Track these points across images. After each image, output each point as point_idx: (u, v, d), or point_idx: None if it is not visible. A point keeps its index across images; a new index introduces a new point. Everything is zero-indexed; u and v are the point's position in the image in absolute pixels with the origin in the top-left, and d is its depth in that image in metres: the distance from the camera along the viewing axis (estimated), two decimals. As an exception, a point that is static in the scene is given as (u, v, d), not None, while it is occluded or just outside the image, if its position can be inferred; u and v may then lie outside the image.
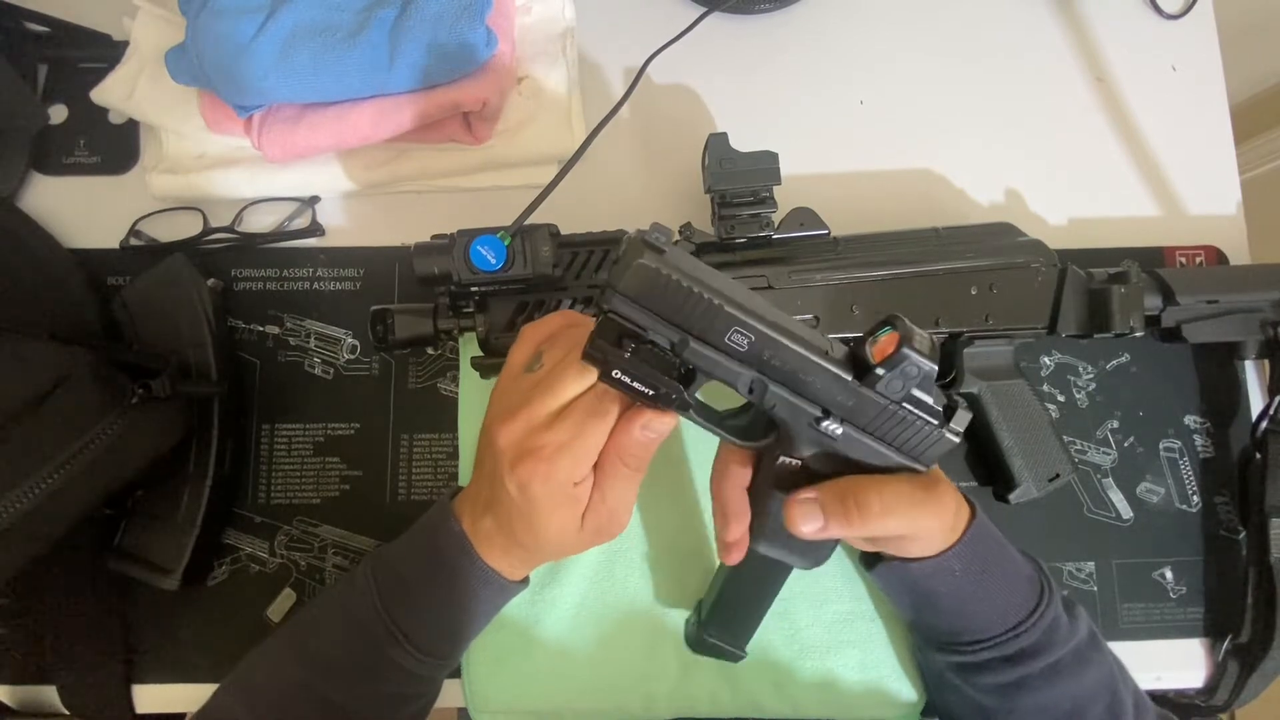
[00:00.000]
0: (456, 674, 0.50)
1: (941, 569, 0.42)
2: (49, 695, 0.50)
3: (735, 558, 0.42)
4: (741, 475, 0.41)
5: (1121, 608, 0.54)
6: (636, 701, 0.50)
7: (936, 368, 0.35)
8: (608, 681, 0.50)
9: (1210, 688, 0.53)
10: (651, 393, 0.35)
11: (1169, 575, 0.54)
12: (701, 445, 0.53)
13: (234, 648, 0.44)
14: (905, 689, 0.51)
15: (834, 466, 0.39)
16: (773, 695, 0.50)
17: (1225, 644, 0.52)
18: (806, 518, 0.38)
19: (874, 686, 0.51)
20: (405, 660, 0.41)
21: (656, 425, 0.37)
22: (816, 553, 0.43)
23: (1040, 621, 0.42)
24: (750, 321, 0.34)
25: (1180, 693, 0.54)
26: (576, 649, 0.50)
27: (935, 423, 0.37)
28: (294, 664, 0.43)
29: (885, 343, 0.35)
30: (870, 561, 0.46)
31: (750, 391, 0.36)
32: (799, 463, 0.39)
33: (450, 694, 0.51)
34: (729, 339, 0.35)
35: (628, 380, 0.35)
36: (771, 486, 0.40)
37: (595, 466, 0.38)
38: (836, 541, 0.43)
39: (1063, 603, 0.44)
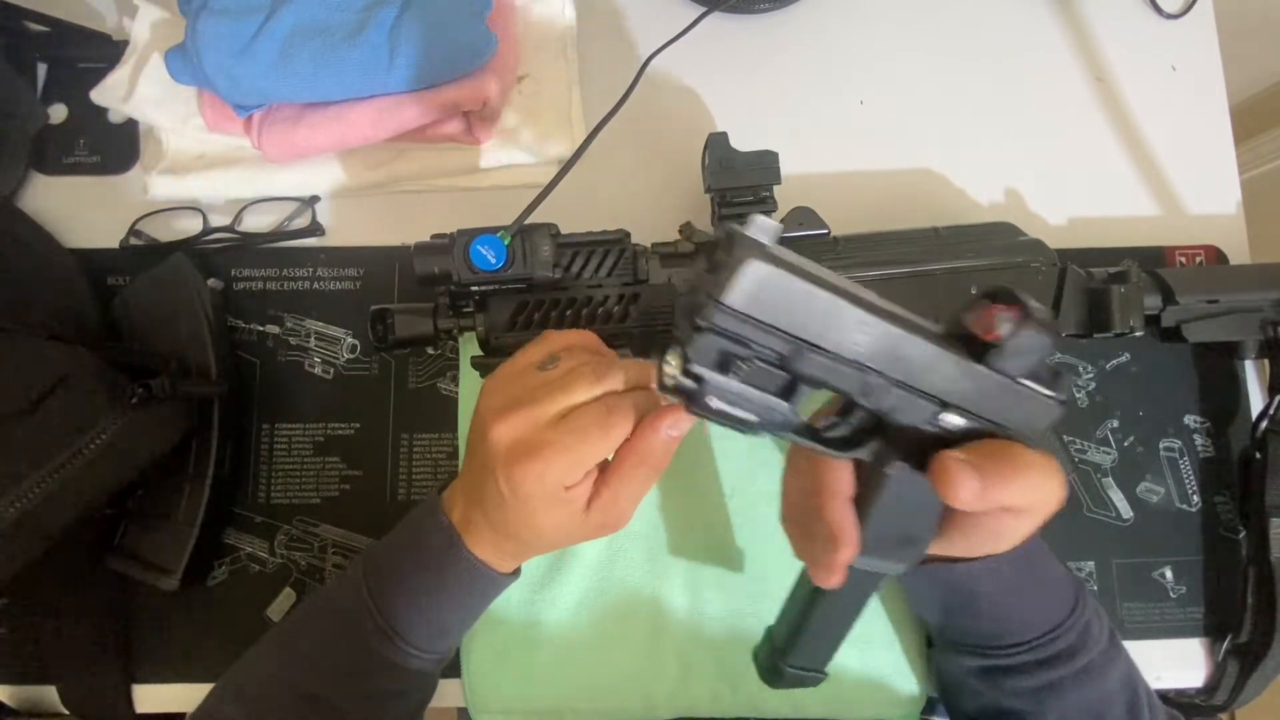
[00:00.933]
0: (456, 673, 0.50)
1: (990, 570, 0.41)
2: (49, 695, 0.50)
3: (839, 580, 0.37)
4: (848, 488, 0.37)
5: (1121, 607, 0.54)
6: (637, 701, 0.50)
7: (1055, 337, 0.32)
8: (608, 681, 0.50)
9: (1210, 688, 0.53)
10: (756, 419, 0.31)
11: (1169, 575, 0.54)
12: (702, 443, 0.53)
13: (234, 648, 0.44)
14: (906, 688, 0.51)
15: None
16: (773, 695, 0.50)
17: (1225, 644, 0.52)
18: (966, 477, 0.33)
19: (875, 685, 0.50)
20: (395, 656, 0.41)
21: (684, 424, 0.37)
22: (914, 551, 0.38)
23: (1077, 624, 0.41)
24: (872, 317, 0.30)
25: (1180, 693, 0.54)
26: (577, 649, 0.50)
27: (1050, 394, 0.34)
28: (286, 661, 0.43)
29: (994, 316, 0.32)
30: None
31: (867, 395, 0.32)
32: (908, 469, 0.35)
33: (450, 694, 0.51)
34: (851, 340, 0.30)
35: (726, 408, 0.30)
36: (871, 497, 0.36)
37: (612, 467, 0.38)
38: (930, 537, 0.39)
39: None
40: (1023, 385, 0.33)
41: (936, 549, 0.41)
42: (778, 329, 0.29)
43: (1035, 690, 0.42)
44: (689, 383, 0.30)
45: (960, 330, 0.32)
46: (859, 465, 0.37)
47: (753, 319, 0.28)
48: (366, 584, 0.42)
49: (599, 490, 0.38)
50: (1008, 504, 0.34)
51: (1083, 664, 0.41)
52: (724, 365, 0.30)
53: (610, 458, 0.39)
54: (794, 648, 0.41)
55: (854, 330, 0.30)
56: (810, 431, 0.34)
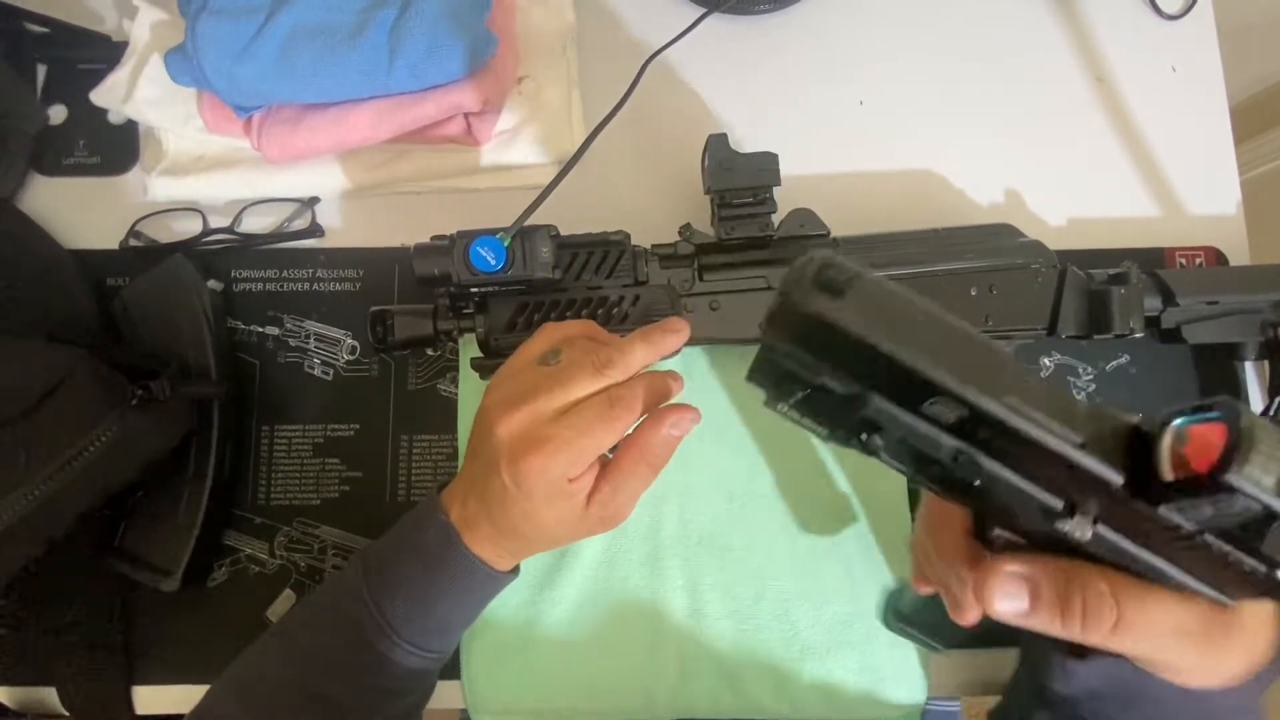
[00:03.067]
0: (456, 674, 0.50)
1: (1161, 684, 0.31)
2: (49, 695, 0.50)
3: (973, 618, 0.32)
4: (960, 520, 0.32)
5: (1121, 608, 0.54)
6: (636, 702, 0.50)
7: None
8: (608, 682, 0.50)
9: (1210, 688, 0.52)
10: (825, 431, 0.28)
11: (1169, 576, 0.54)
12: (703, 445, 0.53)
13: (234, 649, 0.44)
14: (905, 690, 0.51)
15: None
16: (773, 696, 0.50)
17: (1225, 645, 0.52)
18: (1007, 595, 0.28)
19: (874, 687, 0.50)
20: (393, 653, 0.41)
21: (686, 425, 0.37)
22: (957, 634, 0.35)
23: None
24: (965, 394, 0.24)
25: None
26: (576, 650, 0.50)
27: (1258, 565, 0.24)
28: (285, 658, 0.43)
29: (1200, 445, 0.22)
30: (1083, 651, 0.32)
31: (955, 460, 0.26)
32: (1022, 541, 0.29)
33: (450, 694, 0.51)
34: (928, 409, 0.25)
35: (796, 416, 0.28)
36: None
37: (614, 462, 0.38)
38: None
39: None
40: (1206, 539, 0.24)
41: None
42: (839, 369, 0.25)
43: None
44: (758, 380, 0.27)
45: (1151, 441, 0.23)
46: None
47: (809, 354, 0.25)
48: (366, 582, 0.42)
49: (599, 485, 0.39)
50: (1095, 643, 0.28)
51: None
52: (781, 393, 0.27)
53: (611, 454, 0.39)
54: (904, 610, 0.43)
55: (934, 400, 0.24)
56: (905, 456, 0.28)
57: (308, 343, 0.55)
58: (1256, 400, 0.56)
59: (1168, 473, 0.22)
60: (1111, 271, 0.51)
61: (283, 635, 0.44)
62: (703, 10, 0.58)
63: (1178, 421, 0.23)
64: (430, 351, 0.55)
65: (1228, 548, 0.24)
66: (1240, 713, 0.31)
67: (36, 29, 0.58)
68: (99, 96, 0.56)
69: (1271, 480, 0.21)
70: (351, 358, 0.55)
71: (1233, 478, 0.21)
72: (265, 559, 0.53)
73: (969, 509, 0.30)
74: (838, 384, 0.26)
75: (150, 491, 0.51)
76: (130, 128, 0.58)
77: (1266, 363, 0.55)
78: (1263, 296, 0.52)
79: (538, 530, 0.39)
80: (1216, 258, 0.59)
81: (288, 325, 0.56)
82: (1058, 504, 0.25)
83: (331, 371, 0.55)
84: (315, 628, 0.43)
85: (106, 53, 0.58)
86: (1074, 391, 0.56)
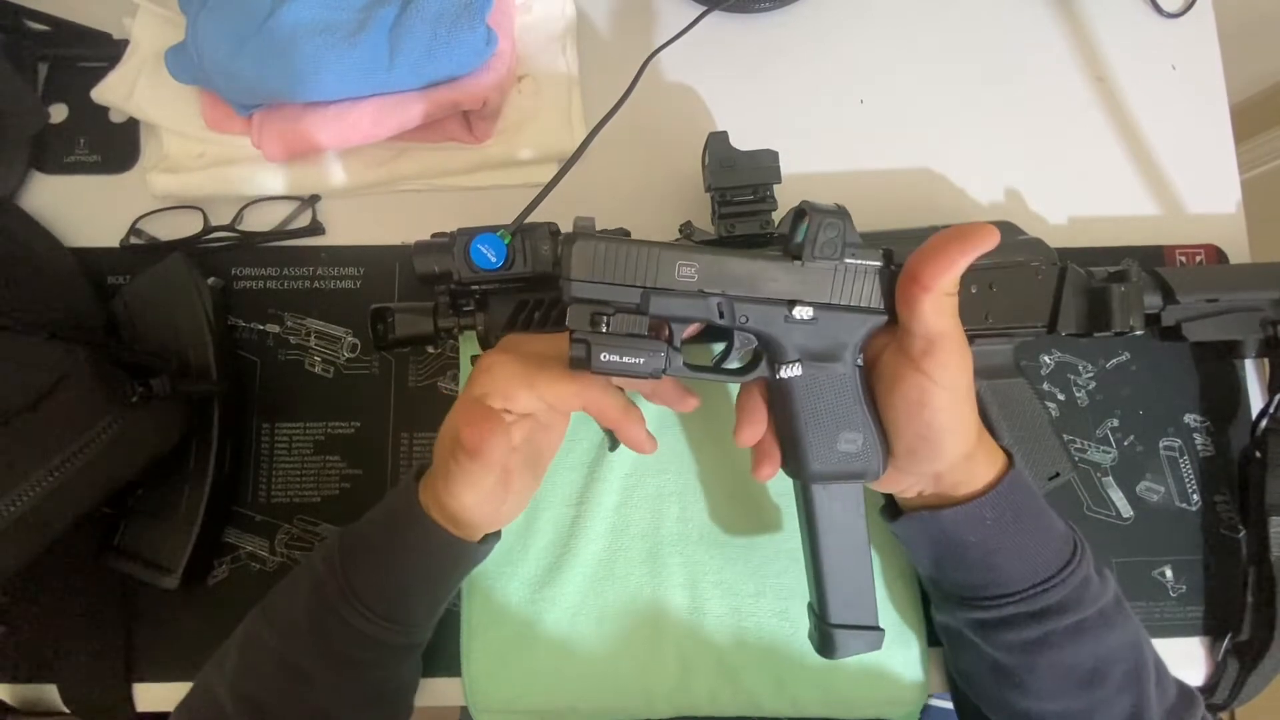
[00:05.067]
0: (456, 673, 0.50)
1: (973, 516, 0.41)
2: (49, 694, 0.50)
3: (766, 474, 0.44)
4: (755, 406, 0.43)
5: (1121, 606, 0.54)
6: (636, 701, 0.50)
7: (846, 211, 0.40)
8: (608, 681, 0.50)
9: (1210, 686, 0.53)
10: (641, 361, 0.38)
11: (1169, 574, 0.54)
12: (703, 443, 0.53)
13: (234, 646, 0.44)
14: (906, 688, 0.51)
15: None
16: (773, 695, 0.50)
17: (1225, 643, 0.52)
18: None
19: (874, 685, 0.50)
20: (355, 620, 0.41)
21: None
22: (866, 456, 0.41)
23: (1071, 579, 0.41)
24: (690, 252, 0.39)
25: (1181, 691, 0.53)
26: (577, 648, 0.50)
27: (880, 263, 0.40)
28: (263, 629, 0.43)
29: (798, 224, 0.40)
30: (893, 513, 0.45)
31: (721, 315, 0.40)
32: (799, 369, 0.41)
33: (450, 694, 0.51)
34: (679, 275, 0.39)
35: (616, 358, 0.38)
36: (789, 407, 0.41)
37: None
38: (871, 436, 0.41)
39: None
40: (849, 264, 0.40)
41: (907, 465, 0.42)
42: (620, 284, 0.38)
43: (1025, 644, 0.42)
44: (580, 349, 0.38)
45: (791, 245, 0.40)
46: (772, 392, 0.43)
47: (597, 281, 0.38)
48: (339, 548, 0.43)
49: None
50: (919, 349, 0.39)
51: (1075, 620, 0.41)
52: (595, 324, 0.38)
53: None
54: (827, 605, 0.43)
55: (679, 267, 0.39)
56: (703, 367, 0.42)
57: (308, 340, 0.55)
58: (1256, 397, 0.56)
59: (799, 235, 0.40)
60: (1112, 269, 0.51)
61: (263, 607, 0.45)
62: (703, 8, 0.58)
63: (794, 227, 0.41)
64: (431, 349, 0.55)
65: (862, 261, 0.40)
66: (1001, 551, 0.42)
67: (37, 27, 0.58)
68: (100, 94, 0.56)
69: (829, 205, 0.40)
70: (352, 355, 0.55)
71: (810, 211, 0.39)
72: (266, 556, 0.53)
73: (761, 382, 0.43)
74: (625, 298, 0.38)
75: (150, 489, 0.51)
76: (131, 126, 0.59)
77: (1266, 360, 0.55)
78: (1263, 294, 0.52)
79: (443, 439, 0.42)
80: (1217, 255, 0.59)
81: (288, 323, 0.56)
82: (785, 305, 0.40)
83: (332, 369, 0.55)
84: (290, 593, 0.44)
85: (107, 51, 0.58)
86: (1074, 389, 0.56)
